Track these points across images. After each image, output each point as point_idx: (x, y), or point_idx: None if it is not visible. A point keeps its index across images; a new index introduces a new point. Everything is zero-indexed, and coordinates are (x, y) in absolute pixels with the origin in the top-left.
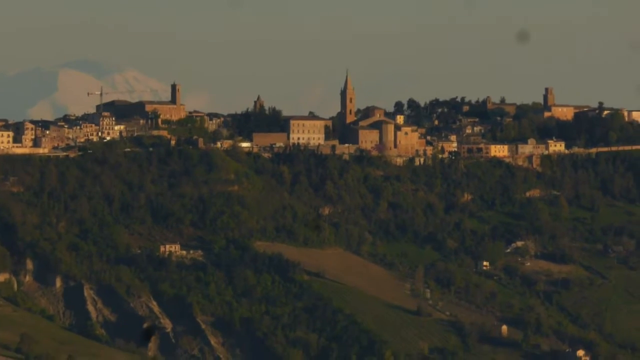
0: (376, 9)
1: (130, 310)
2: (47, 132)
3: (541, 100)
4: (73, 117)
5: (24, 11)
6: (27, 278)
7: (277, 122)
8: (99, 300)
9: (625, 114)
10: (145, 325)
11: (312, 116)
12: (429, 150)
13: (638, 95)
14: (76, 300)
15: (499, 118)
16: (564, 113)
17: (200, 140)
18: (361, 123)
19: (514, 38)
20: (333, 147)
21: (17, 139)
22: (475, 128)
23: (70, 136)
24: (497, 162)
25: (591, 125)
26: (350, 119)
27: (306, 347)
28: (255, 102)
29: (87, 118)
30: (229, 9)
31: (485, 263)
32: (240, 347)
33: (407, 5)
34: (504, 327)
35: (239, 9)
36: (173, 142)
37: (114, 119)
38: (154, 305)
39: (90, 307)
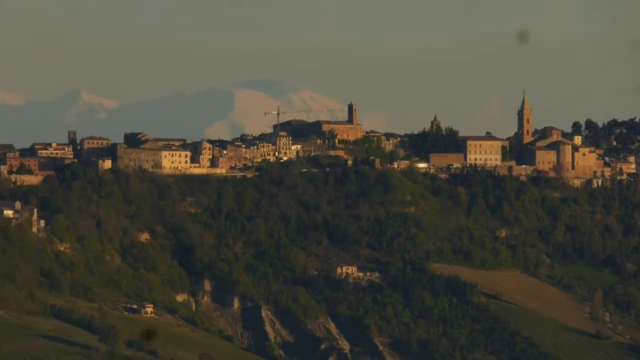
0: (554, 25)
1: (308, 332)
2: (224, 152)
3: None
4: (250, 137)
5: (203, 32)
6: (205, 299)
7: (454, 143)
8: (276, 321)
9: None
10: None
11: (489, 136)
12: (607, 171)
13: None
14: (254, 321)
15: None
16: None
17: (377, 160)
18: (538, 144)
19: None
20: (510, 168)
21: (194, 159)
22: None
23: (247, 156)
24: None
25: None
26: (527, 139)
27: None
28: (432, 122)
29: (264, 138)
30: (408, 30)
31: None
32: None
33: (587, 22)
34: None
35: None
36: (350, 163)
37: (290, 138)
38: (332, 327)
39: (268, 328)
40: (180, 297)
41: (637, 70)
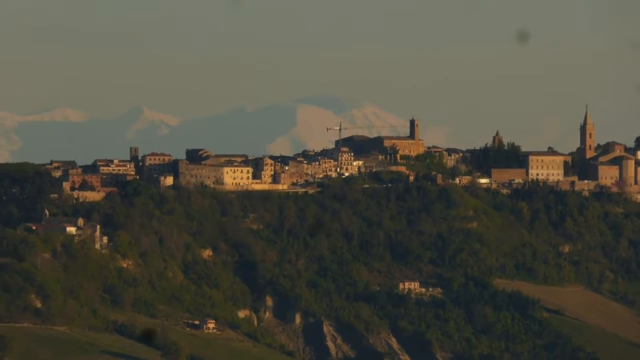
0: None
1: (370, 347)
2: (286, 167)
3: None
4: (312, 153)
5: (261, 48)
6: (267, 314)
7: (516, 158)
8: (338, 337)
9: None
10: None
11: (551, 152)
12: None
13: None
14: (316, 336)
15: None
16: None
17: (439, 176)
18: (601, 159)
19: None
20: (572, 184)
21: (256, 175)
22: None
23: (309, 172)
24: None
25: None
26: (589, 154)
27: None
28: (494, 137)
29: (325, 154)
30: (471, 45)
31: None
32: None
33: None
34: None
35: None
36: (411, 178)
37: (352, 154)
38: (393, 342)
39: (330, 344)
40: (242, 313)
41: None
